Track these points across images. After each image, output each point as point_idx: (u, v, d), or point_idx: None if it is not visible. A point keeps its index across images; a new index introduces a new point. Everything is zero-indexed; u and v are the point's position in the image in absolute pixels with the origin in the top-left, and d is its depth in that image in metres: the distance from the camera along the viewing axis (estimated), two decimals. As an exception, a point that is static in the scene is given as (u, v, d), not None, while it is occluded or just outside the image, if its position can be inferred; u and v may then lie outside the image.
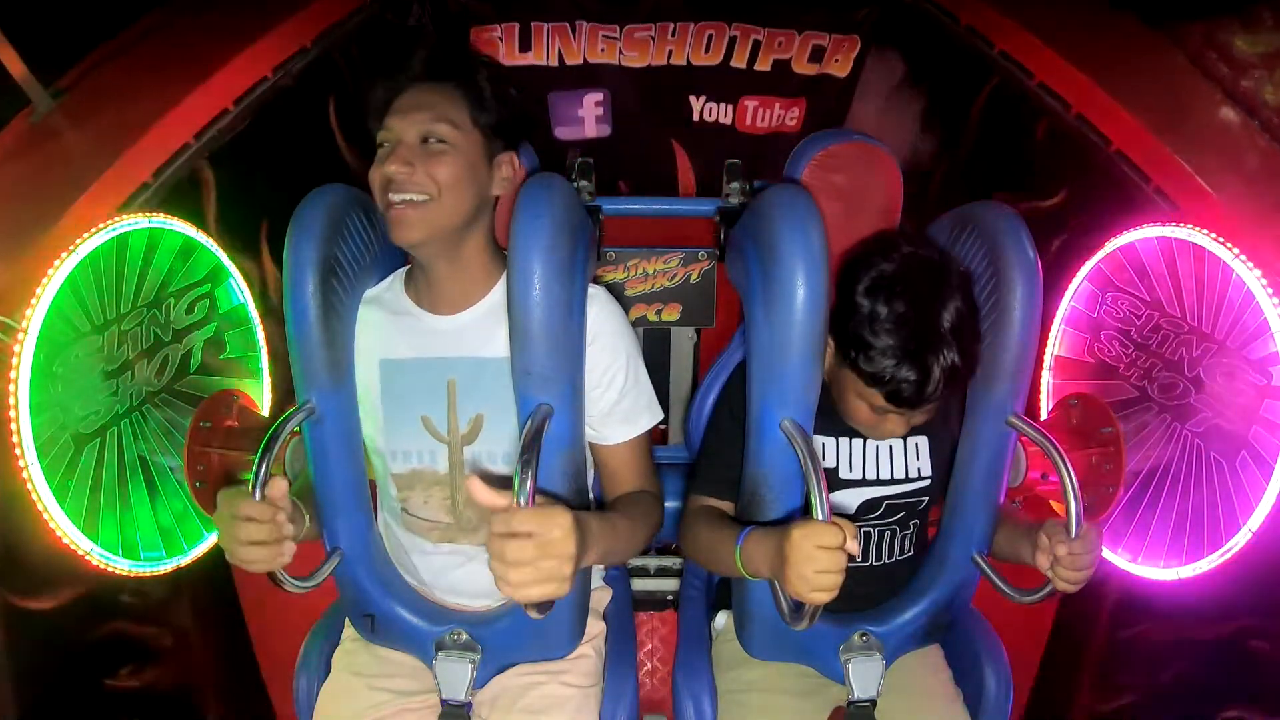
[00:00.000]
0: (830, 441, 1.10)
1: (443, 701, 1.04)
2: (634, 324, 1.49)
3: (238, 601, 1.46)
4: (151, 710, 1.27)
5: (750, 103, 2.26)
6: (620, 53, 2.18)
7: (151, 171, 1.18)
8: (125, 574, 1.11)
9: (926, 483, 1.11)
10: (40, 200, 1.07)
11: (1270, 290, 1.03)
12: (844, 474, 1.10)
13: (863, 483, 1.10)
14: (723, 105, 2.27)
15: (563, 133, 2.28)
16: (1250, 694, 1.15)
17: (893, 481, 1.10)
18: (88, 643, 1.16)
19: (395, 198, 0.93)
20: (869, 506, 1.10)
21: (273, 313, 1.43)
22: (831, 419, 1.07)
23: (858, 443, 1.10)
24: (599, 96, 2.25)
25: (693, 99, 2.26)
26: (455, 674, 1.03)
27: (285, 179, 1.40)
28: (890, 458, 1.10)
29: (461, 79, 0.98)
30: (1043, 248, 0.99)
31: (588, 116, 2.28)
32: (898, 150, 1.27)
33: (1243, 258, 1.05)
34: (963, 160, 1.85)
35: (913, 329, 0.94)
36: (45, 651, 1.08)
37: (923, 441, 1.12)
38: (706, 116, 2.28)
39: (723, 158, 1.58)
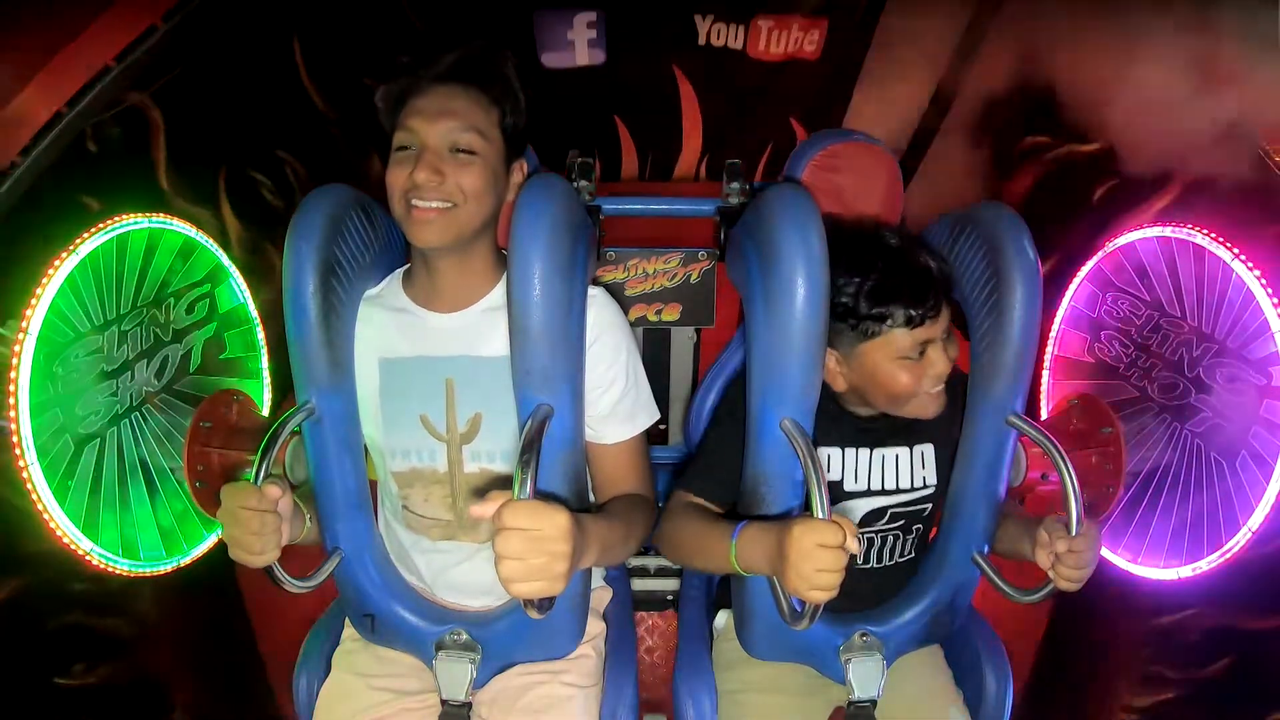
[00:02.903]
0: (835, 452, 1.08)
1: (443, 701, 1.04)
2: (634, 324, 1.49)
3: (241, 600, 1.45)
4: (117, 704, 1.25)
5: (764, 23, 2.02)
6: (615, -38, 1.96)
7: (65, 100, 1.05)
8: (125, 574, 1.11)
9: (931, 491, 1.11)
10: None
11: (1270, 290, 1.03)
12: (849, 486, 1.08)
13: (868, 493, 1.09)
14: (733, 26, 2.02)
15: (550, 59, 2.04)
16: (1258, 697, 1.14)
17: (898, 491, 1.10)
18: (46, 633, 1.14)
19: (420, 204, 0.93)
20: (873, 515, 1.10)
21: (268, 304, 1.42)
22: (837, 427, 1.06)
23: (864, 453, 1.09)
24: (591, 17, 2.00)
25: (699, 19, 2.03)
26: (455, 674, 1.03)
27: (244, 121, 1.36)
28: (896, 468, 1.09)
29: (487, 83, 0.97)
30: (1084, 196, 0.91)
31: (579, 40, 2.03)
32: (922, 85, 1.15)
33: (1243, 258, 1.05)
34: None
35: (888, 263, 0.98)
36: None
37: (929, 450, 1.11)
38: (714, 39, 2.03)
39: (732, 88, 1.42)
